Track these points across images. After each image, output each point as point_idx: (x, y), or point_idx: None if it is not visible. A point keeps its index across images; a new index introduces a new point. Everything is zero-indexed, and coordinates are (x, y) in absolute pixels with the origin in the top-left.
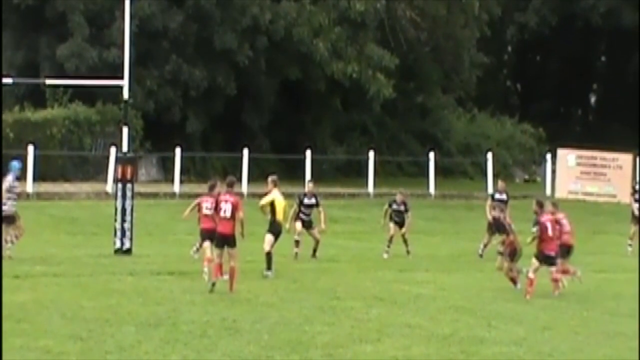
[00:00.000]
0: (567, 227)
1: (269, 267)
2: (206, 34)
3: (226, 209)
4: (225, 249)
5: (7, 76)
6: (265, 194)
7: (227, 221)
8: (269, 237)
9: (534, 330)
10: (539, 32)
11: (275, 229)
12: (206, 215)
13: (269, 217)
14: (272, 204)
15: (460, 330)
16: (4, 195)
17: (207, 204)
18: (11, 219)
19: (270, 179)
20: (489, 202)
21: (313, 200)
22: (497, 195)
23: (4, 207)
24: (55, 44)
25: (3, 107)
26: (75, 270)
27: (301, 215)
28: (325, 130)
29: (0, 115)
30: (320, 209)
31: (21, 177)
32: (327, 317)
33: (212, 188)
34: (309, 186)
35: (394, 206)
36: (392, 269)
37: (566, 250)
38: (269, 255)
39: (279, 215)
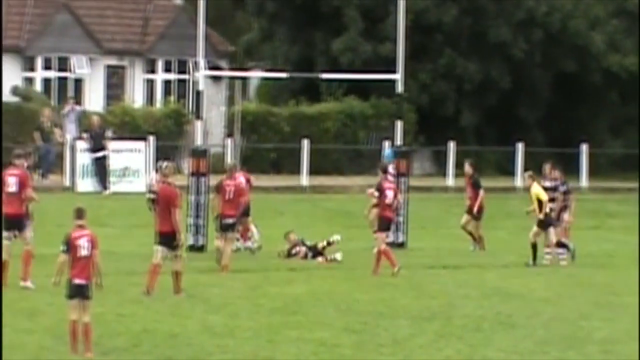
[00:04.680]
0: None
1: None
2: (480, 28)
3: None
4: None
5: (283, 70)
6: None
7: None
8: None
9: None
10: None
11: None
12: (390, 205)
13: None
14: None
15: None
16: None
17: (390, 193)
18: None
19: (527, 174)
20: None
21: None
22: None
23: None
24: (330, 39)
25: (279, 101)
26: (350, 263)
27: None
28: (602, 124)
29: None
30: None
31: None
32: (604, 313)
33: (384, 170)
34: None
35: None
36: None
37: None
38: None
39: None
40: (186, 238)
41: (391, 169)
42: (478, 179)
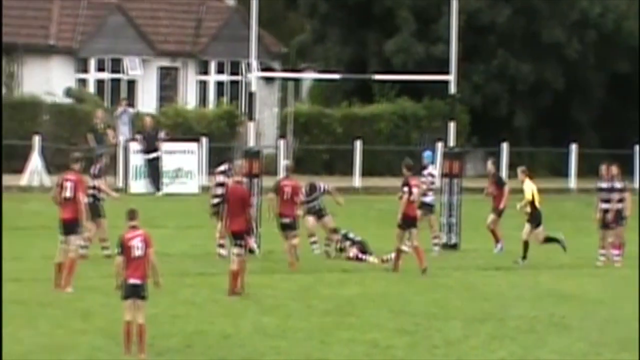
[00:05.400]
0: None
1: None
2: (534, 28)
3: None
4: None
5: (335, 72)
6: None
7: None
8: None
9: None
10: None
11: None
12: (413, 202)
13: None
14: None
15: None
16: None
17: (415, 190)
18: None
19: (520, 169)
20: None
21: None
22: None
23: (427, 199)
24: (383, 40)
25: (331, 102)
26: (403, 265)
27: None
28: None
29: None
30: None
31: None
32: None
33: (409, 168)
34: None
35: None
36: None
37: None
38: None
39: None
40: None
41: (431, 169)
42: (501, 177)
